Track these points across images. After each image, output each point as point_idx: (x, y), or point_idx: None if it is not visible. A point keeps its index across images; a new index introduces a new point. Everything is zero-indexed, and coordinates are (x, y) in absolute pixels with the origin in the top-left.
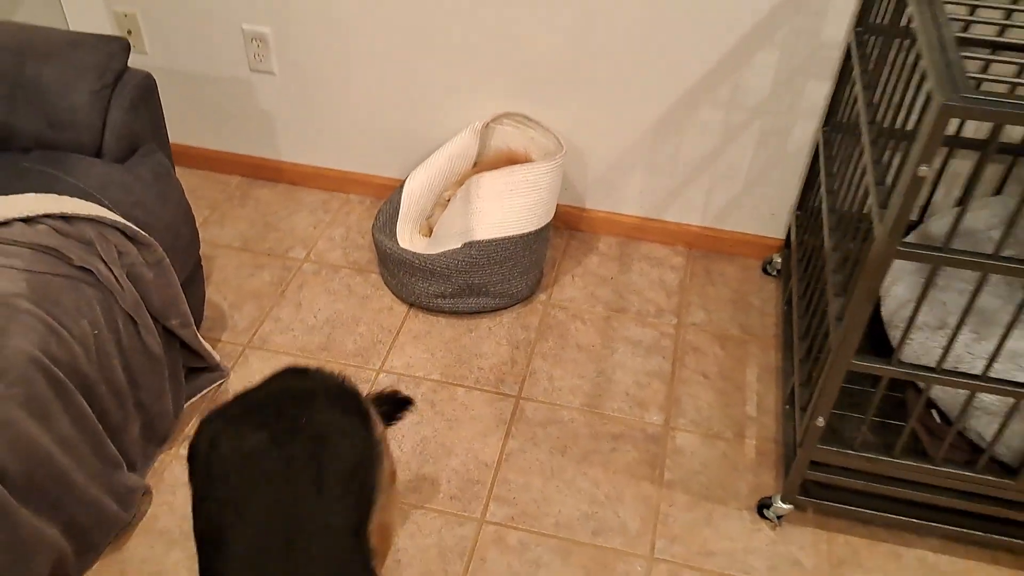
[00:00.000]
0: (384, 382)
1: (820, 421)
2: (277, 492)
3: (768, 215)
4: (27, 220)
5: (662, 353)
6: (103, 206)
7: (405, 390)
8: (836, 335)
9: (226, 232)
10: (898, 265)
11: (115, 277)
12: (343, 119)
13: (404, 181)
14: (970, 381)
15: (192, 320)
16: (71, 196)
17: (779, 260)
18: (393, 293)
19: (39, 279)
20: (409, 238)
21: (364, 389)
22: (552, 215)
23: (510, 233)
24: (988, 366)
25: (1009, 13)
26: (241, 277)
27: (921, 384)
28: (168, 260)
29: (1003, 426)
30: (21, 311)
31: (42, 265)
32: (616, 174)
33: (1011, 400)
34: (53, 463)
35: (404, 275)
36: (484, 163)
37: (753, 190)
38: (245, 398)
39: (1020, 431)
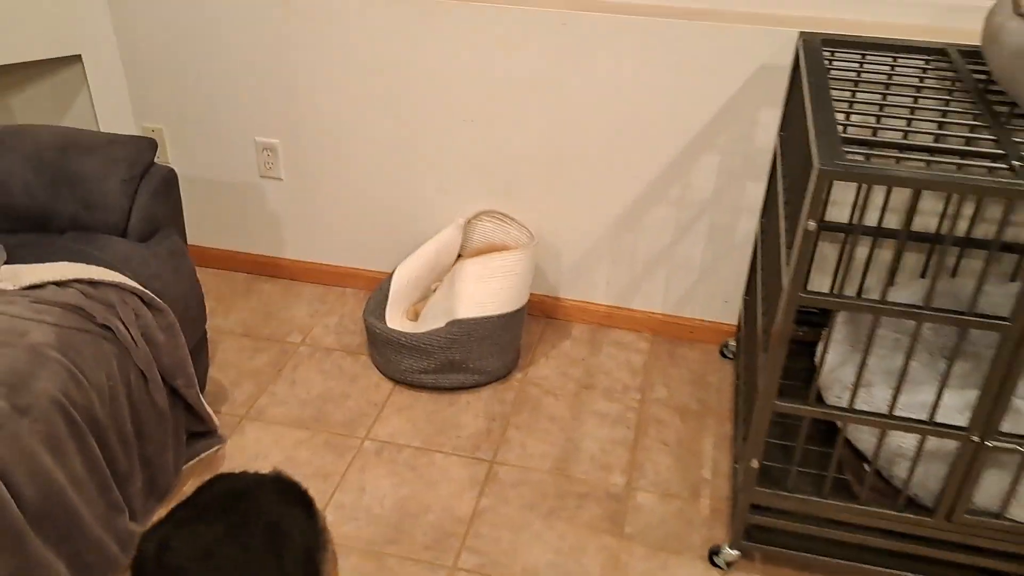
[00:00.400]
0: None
1: (755, 463)
2: None
3: (722, 303)
4: (59, 283)
5: (626, 424)
6: (124, 275)
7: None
8: (761, 381)
9: (230, 321)
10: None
11: (131, 336)
12: (341, 218)
13: (394, 270)
14: (879, 419)
15: (196, 382)
16: (98, 266)
17: (734, 344)
18: (380, 372)
19: (66, 333)
20: (398, 321)
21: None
22: (527, 298)
23: (489, 313)
24: (893, 403)
25: (911, 117)
26: (242, 359)
27: (839, 423)
28: (178, 325)
29: (915, 462)
30: (49, 358)
31: (69, 321)
32: (585, 266)
33: (922, 441)
34: (65, 498)
35: (391, 353)
36: (467, 254)
37: (707, 280)
38: (187, 504)
39: (935, 472)
